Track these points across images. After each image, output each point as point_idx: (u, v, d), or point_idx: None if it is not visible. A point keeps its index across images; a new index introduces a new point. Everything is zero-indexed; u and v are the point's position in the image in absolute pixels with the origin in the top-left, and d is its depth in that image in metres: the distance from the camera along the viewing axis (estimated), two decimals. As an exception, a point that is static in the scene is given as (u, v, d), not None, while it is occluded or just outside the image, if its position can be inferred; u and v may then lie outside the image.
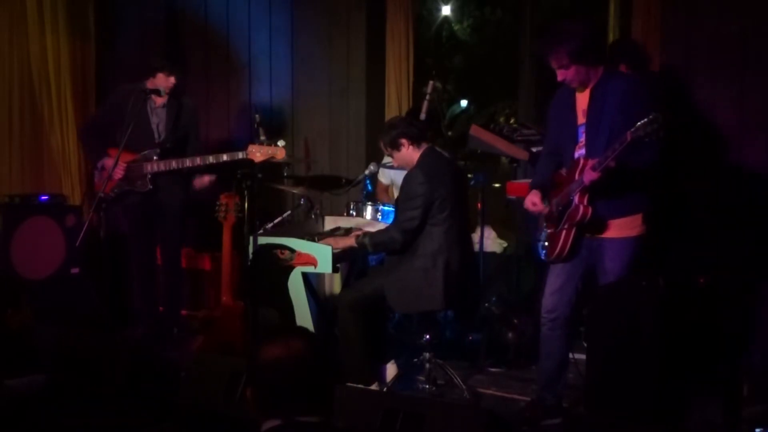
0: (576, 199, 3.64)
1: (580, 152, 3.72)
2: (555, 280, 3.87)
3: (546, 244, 3.87)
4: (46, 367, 2.75)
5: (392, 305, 4.22)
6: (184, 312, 5.49)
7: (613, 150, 3.42)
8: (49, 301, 5.26)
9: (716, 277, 4.51)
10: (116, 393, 2.43)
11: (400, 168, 4.41)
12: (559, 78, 3.67)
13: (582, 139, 3.72)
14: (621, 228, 3.70)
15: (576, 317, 3.94)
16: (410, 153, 4.20)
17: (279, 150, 4.65)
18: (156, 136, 5.00)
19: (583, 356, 4.01)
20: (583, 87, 3.71)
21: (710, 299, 4.14)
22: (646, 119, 3.27)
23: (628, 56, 4.56)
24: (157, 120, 5.03)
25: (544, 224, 3.91)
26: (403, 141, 4.18)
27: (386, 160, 4.64)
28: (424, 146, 4.22)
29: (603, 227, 3.70)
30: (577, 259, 3.80)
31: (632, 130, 3.31)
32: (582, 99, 3.74)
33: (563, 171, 3.82)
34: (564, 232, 3.73)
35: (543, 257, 3.94)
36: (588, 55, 3.61)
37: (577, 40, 3.60)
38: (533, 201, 3.85)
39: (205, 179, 5.07)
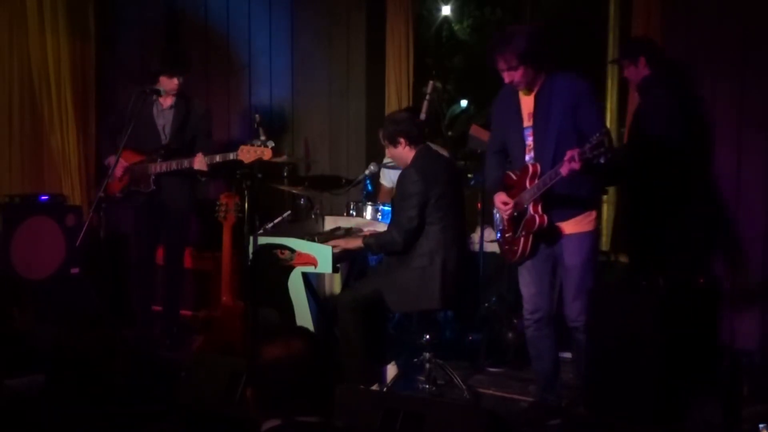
0: (530, 208, 3.67)
1: (529, 156, 3.75)
2: (529, 282, 3.90)
3: (506, 247, 3.90)
4: (46, 367, 2.75)
5: (390, 306, 4.22)
6: (184, 312, 5.49)
7: (550, 177, 3.50)
8: (49, 301, 5.26)
9: (715, 277, 4.52)
10: (116, 393, 2.43)
11: (392, 164, 4.41)
12: (507, 80, 3.71)
13: (529, 142, 3.75)
14: (576, 224, 3.73)
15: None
16: (405, 152, 4.20)
17: (266, 150, 4.60)
18: (162, 137, 5.00)
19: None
20: (528, 90, 3.74)
21: (710, 299, 4.14)
22: (593, 141, 3.27)
23: (647, 51, 4.59)
24: (164, 122, 5.02)
25: (501, 227, 3.93)
26: (402, 140, 4.18)
27: (387, 160, 4.64)
28: (420, 146, 4.22)
29: (558, 233, 3.73)
30: (543, 257, 3.83)
31: (579, 152, 3.32)
32: (527, 102, 3.77)
33: (513, 173, 3.83)
34: (522, 239, 3.77)
35: (504, 257, 3.98)
36: (535, 57, 3.65)
37: (524, 41, 3.64)
38: (504, 201, 3.82)
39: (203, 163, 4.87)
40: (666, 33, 4.85)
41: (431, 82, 5.32)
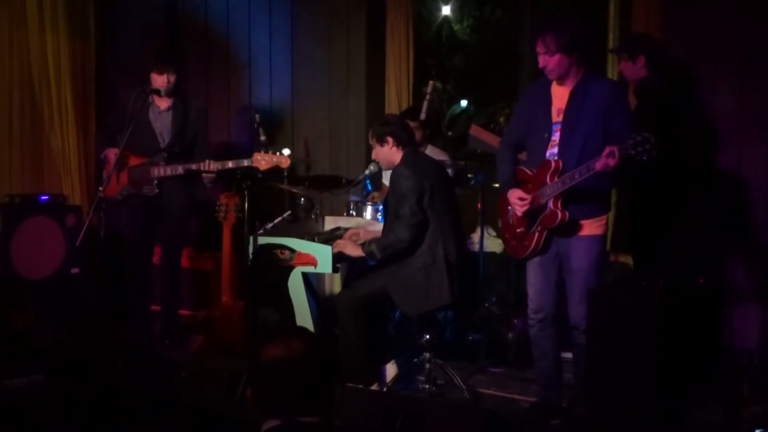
0: (551, 204, 3.66)
1: (551, 152, 3.73)
2: (534, 281, 3.89)
3: (514, 243, 3.89)
4: (46, 367, 2.75)
5: (404, 310, 4.25)
6: (184, 312, 5.48)
7: (580, 173, 3.48)
8: (49, 301, 5.26)
9: (715, 278, 4.52)
10: (116, 393, 2.43)
11: (378, 163, 4.41)
12: (541, 64, 3.68)
13: (555, 137, 3.73)
14: (588, 227, 3.73)
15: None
16: (392, 153, 4.20)
17: (284, 159, 4.64)
18: (160, 140, 4.98)
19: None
20: (560, 81, 3.72)
21: (710, 299, 4.15)
22: (638, 138, 3.26)
23: (649, 51, 4.53)
24: (161, 125, 4.99)
25: (510, 221, 3.91)
26: (389, 139, 4.19)
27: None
28: (408, 148, 4.23)
29: (576, 229, 3.72)
30: (551, 256, 3.82)
31: (620, 147, 3.31)
32: (559, 97, 3.75)
33: (528, 169, 3.81)
34: (537, 234, 3.75)
35: (511, 253, 3.97)
36: (574, 49, 3.64)
37: (567, 30, 3.64)
38: (521, 197, 3.79)
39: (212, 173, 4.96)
40: (666, 33, 4.85)
41: (431, 82, 5.32)
